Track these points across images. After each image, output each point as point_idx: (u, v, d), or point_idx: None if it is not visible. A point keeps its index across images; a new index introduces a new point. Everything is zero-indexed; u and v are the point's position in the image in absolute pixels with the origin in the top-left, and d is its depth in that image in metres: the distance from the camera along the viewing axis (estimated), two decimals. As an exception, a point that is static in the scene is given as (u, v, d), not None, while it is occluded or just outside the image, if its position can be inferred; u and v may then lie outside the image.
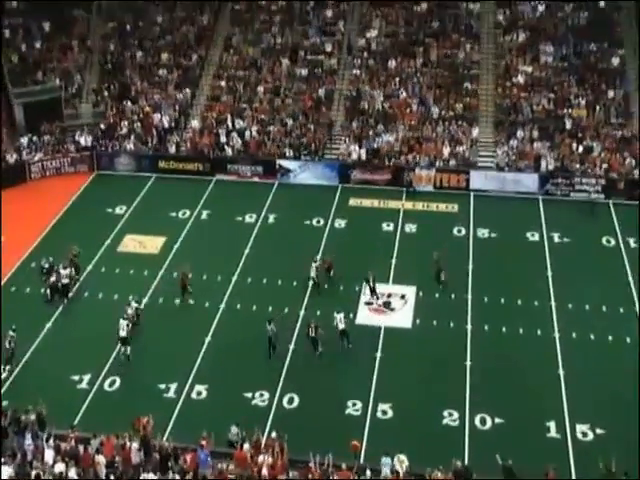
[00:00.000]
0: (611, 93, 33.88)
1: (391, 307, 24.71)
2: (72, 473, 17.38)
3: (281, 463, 17.47)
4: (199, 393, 21.33)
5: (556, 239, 28.34)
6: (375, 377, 21.70)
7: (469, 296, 25.07)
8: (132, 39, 38.53)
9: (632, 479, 17.24)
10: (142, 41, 38.41)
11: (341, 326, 22.79)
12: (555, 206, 30.59)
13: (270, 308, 24.42)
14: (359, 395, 21.03)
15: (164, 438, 18.71)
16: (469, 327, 23.68)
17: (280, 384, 21.49)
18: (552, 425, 20.02)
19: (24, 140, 34.27)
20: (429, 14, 37.73)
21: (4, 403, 20.19)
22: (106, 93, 36.52)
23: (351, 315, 24.23)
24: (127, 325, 22.71)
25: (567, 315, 24.12)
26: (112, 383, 21.75)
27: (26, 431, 18.72)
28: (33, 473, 17.24)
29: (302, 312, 24.41)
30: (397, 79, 35.37)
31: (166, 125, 35.13)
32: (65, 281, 25.02)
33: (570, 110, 33.45)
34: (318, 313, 24.17)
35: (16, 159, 33.42)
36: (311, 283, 25.37)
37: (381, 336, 23.37)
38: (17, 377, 21.99)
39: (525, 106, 33.79)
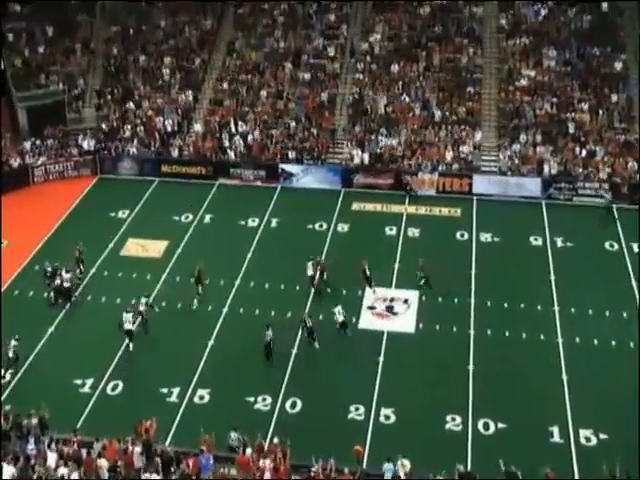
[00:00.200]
0: (614, 97, 33.91)
1: (394, 312, 24.74)
2: (74, 477, 17.41)
3: (284, 468, 17.49)
4: (201, 397, 21.37)
5: (559, 243, 28.36)
6: (378, 382, 21.72)
7: (472, 301, 25.09)
8: (135, 43, 38.69)
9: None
10: (145, 45, 38.56)
11: (340, 318, 23.32)
12: (558, 210, 30.61)
13: (273, 312, 24.49)
14: (362, 400, 21.05)
15: (166, 442, 18.74)
16: (472, 332, 23.69)
17: (283, 388, 21.52)
18: (555, 430, 20.02)
19: (27, 144, 34.41)
20: (432, 18, 37.83)
21: (6, 407, 20.24)
22: (109, 97, 36.64)
23: (354, 319, 24.26)
24: (132, 317, 23.02)
25: (570, 320, 24.13)
26: (115, 387, 21.79)
27: (29, 435, 18.79)
28: (35, 476, 17.28)
29: (305, 316, 24.38)
30: (400, 83, 35.43)
31: (169, 129, 35.24)
32: (67, 285, 25.09)
33: (573, 114, 33.50)
34: (321, 317, 24.24)
35: (19, 163, 33.54)
36: (315, 282, 25.46)
37: (384, 341, 23.39)
38: (19, 381, 22.05)
39: (528, 110, 33.85)
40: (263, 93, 36.00)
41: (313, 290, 25.41)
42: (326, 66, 36.68)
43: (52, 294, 25.25)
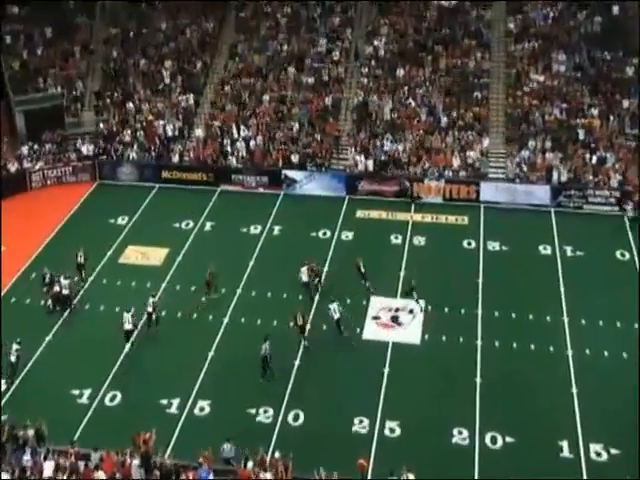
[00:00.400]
0: (625, 103, 33.99)
1: (399, 322, 24.81)
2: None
3: (286, 482, 17.55)
4: (202, 409, 21.43)
5: (569, 253, 28.42)
6: (383, 394, 21.77)
7: (479, 311, 25.15)
8: (135, 45, 38.91)
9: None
10: (145, 48, 38.79)
11: (336, 316, 23.62)
12: (568, 219, 30.68)
13: (275, 322, 24.57)
14: (366, 412, 21.09)
15: (165, 455, 18.80)
16: (479, 343, 23.75)
17: (285, 400, 21.58)
18: (565, 445, 20.03)
19: (25, 149, 34.60)
20: (438, 21, 38.00)
21: (2, 417, 20.34)
22: (109, 101, 36.84)
23: (358, 330, 24.33)
24: (132, 317, 23.41)
25: (580, 331, 24.16)
26: (113, 398, 21.87)
27: (25, 447, 18.87)
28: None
29: (308, 326, 24.47)
30: (406, 88, 35.58)
31: (169, 134, 35.44)
32: (66, 292, 25.24)
33: (583, 120, 33.56)
34: (324, 327, 24.32)
35: (17, 168, 33.74)
36: (317, 285, 25.78)
37: (389, 352, 23.45)
38: (16, 391, 22.16)
39: (537, 116, 33.96)
40: (266, 97, 36.19)
41: (317, 298, 25.44)
42: (330, 70, 36.83)
43: (50, 301, 25.37)
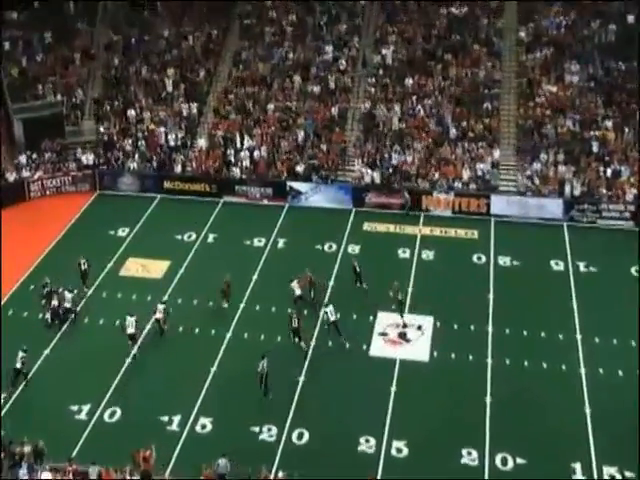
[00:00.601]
0: (640, 114, 34.32)
1: (407, 338, 25.00)
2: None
3: (290, 502, 17.70)
4: (204, 426, 21.60)
5: (582, 268, 28.63)
6: (390, 412, 21.92)
7: (489, 328, 25.34)
8: (137, 53, 39.36)
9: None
10: (147, 55, 39.25)
11: (332, 318, 24.29)
12: (581, 233, 30.90)
13: (279, 338, 24.79)
14: (373, 431, 21.25)
15: (166, 473, 18.98)
16: (489, 361, 23.92)
17: (289, 418, 21.74)
18: (578, 467, 20.14)
19: (23, 158, 34.97)
20: (448, 29, 38.42)
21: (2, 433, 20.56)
22: (109, 109, 37.22)
23: (365, 346, 24.54)
24: (135, 321, 23.95)
25: (593, 349, 24.32)
26: (112, 414, 22.07)
27: (22, 462, 19.10)
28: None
29: (313, 342, 24.72)
30: (414, 97, 35.96)
31: (172, 143, 35.82)
32: (68, 305, 25.56)
33: (597, 132, 33.84)
34: (330, 344, 24.54)
35: (15, 177, 34.12)
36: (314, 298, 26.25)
37: (396, 369, 23.64)
38: (13, 406, 22.36)
39: (549, 128, 34.27)
40: (270, 107, 36.59)
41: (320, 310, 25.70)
42: (337, 79, 37.20)
43: (48, 315, 25.64)
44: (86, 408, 22.14)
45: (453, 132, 34.66)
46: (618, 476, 19.86)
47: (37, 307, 26.27)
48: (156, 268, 28.73)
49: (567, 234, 30.91)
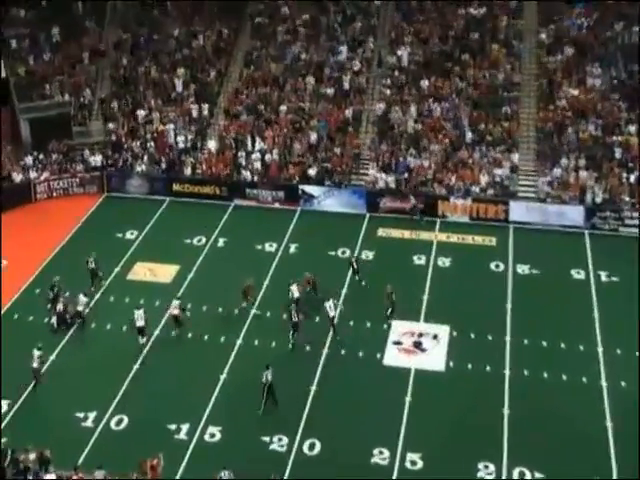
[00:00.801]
0: (665, 119, 34.31)
1: (422, 348, 25.08)
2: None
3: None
4: (212, 435, 21.73)
5: (603, 278, 28.63)
6: (404, 424, 21.99)
7: (507, 338, 25.38)
8: (146, 52, 39.67)
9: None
10: (157, 55, 39.56)
11: (331, 313, 24.98)
12: (603, 242, 30.89)
13: (290, 345, 24.92)
14: (386, 443, 21.31)
15: (174, 483, 19.15)
16: (507, 372, 23.95)
17: (300, 428, 21.84)
18: (598, 482, 20.16)
19: (29, 159, 35.30)
20: (466, 30, 38.54)
21: (2, 440, 20.74)
22: (118, 110, 37.56)
23: (378, 355, 24.64)
24: (144, 313, 24.59)
25: (615, 361, 24.30)
26: (119, 421, 22.23)
27: (27, 472, 19.28)
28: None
29: (325, 350, 24.85)
30: (430, 100, 36.08)
31: (181, 145, 36.08)
32: (81, 308, 25.90)
33: (619, 137, 33.81)
34: (343, 352, 24.65)
35: (21, 178, 34.46)
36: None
37: (411, 379, 23.71)
38: (18, 412, 22.57)
39: (570, 132, 34.29)
40: (283, 108, 36.81)
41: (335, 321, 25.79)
42: (351, 80, 37.36)
43: (54, 319, 25.88)
44: (92, 415, 22.31)
45: (470, 136, 34.71)
46: (640, 493, 19.88)
47: (43, 311, 26.50)
48: (165, 272, 28.94)
49: (588, 242, 30.93)
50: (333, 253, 30.21)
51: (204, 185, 34.46)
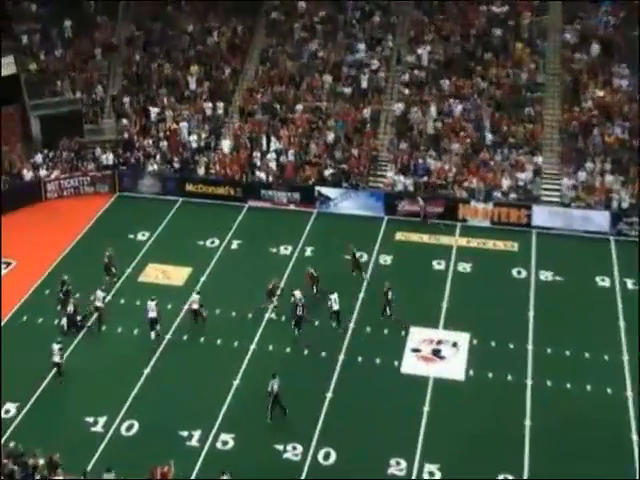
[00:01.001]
0: (694, 122, 34.12)
1: (441, 355, 25.06)
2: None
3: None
4: (225, 443, 21.78)
5: (629, 285, 28.50)
6: (422, 434, 21.97)
7: (530, 346, 25.32)
8: (160, 49, 39.90)
9: None
10: (170, 51, 39.76)
11: (335, 307, 25.49)
12: (629, 248, 30.70)
13: (305, 351, 24.98)
14: (404, 453, 21.30)
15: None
16: (529, 382, 23.90)
17: (315, 437, 21.87)
18: (624, 497, 20.12)
19: (39, 156, 35.58)
20: (488, 28, 38.50)
21: (10, 444, 20.94)
22: (130, 107, 37.78)
23: (396, 363, 24.64)
24: (156, 305, 25.04)
25: (642, 372, 24.22)
26: (130, 427, 22.34)
27: (35, 475, 19.44)
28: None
29: (341, 357, 24.89)
30: (451, 100, 36.07)
31: (194, 144, 36.24)
32: (99, 304, 26.18)
33: (647, 141, 33.78)
34: (360, 359, 24.68)
35: (31, 176, 34.74)
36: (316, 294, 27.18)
37: (429, 388, 23.70)
38: (26, 416, 22.72)
39: (596, 135, 34.17)
40: (299, 107, 36.90)
41: (352, 325, 25.74)
42: (369, 79, 37.39)
43: (64, 321, 26.06)
44: (102, 420, 22.42)
45: (491, 137, 34.64)
46: (669, 509, 19.79)
47: (53, 313, 26.69)
48: (177, 275, 29.08)
49: (614, 248, 30.81)
50: (350, 257, 30.15)
51: (218, 185, 34.61)
